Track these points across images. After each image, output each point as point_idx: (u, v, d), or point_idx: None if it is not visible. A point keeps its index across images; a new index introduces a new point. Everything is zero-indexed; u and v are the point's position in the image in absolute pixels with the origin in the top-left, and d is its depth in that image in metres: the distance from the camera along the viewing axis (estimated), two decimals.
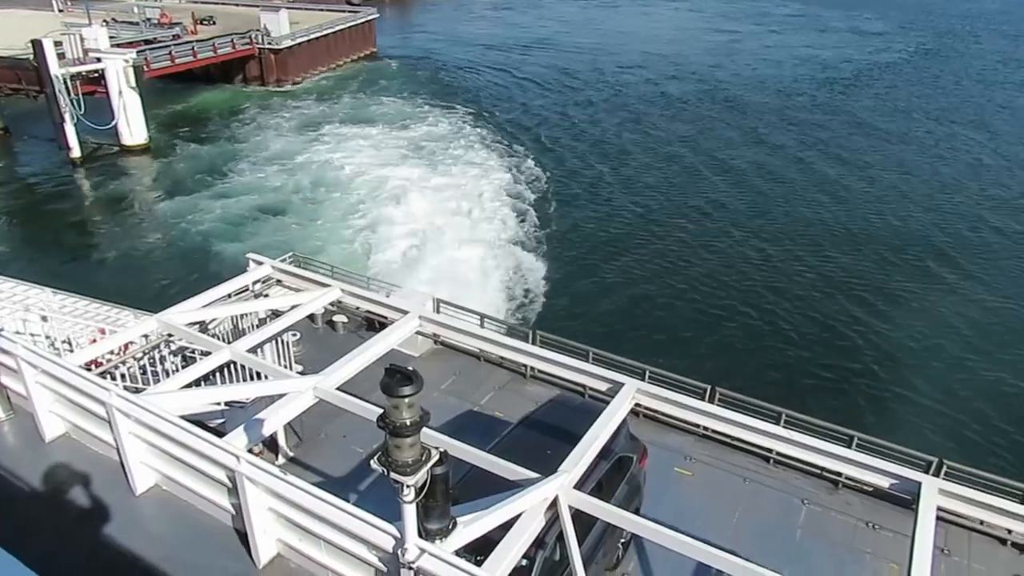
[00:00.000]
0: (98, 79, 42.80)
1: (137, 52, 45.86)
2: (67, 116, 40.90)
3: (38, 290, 16.84)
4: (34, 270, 25.23)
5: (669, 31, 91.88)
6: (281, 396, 9.21)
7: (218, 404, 10.75)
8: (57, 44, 41.25)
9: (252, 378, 11.84)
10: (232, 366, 11.65)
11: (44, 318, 14.00)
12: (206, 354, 10.59)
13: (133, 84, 43.05)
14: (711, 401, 11.15)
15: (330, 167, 42.97)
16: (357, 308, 14.05)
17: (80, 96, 41.10)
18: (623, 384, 9.31)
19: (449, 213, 36.38)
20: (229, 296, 12.35)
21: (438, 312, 14.48)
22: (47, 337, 13.62)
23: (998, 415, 22.60)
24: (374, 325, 14.94)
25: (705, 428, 11.83)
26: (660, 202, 39.24)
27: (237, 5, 70.44)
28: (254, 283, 12.94)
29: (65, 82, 40.36)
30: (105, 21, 54.62)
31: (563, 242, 34.30)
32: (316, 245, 32.65)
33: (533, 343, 12.69)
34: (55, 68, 40.12)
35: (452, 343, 14.42)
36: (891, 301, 29.07)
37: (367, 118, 52.51)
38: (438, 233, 33.89)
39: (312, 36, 61.50)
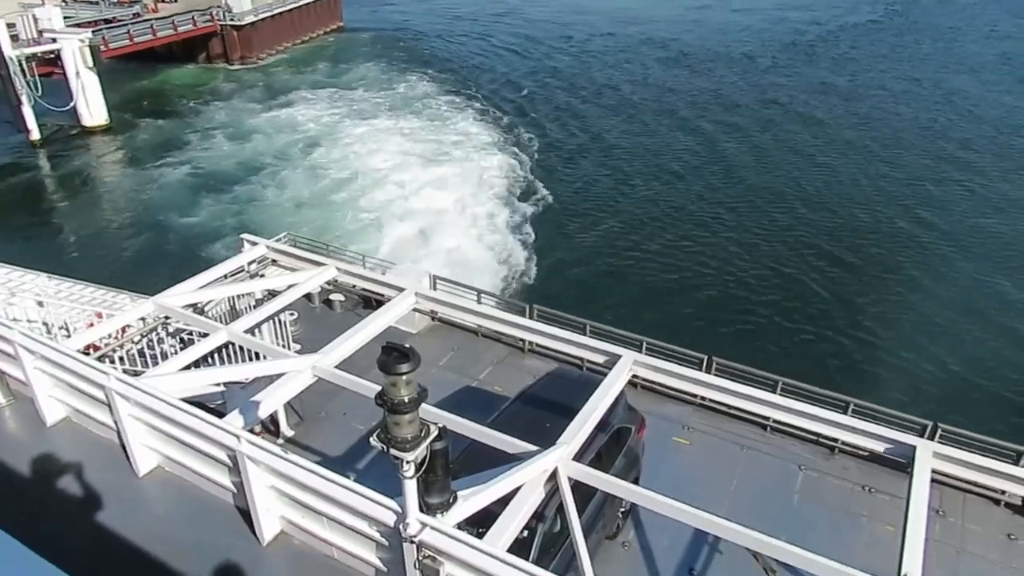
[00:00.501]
0: (54, 60, 42.29)
1: (93, 32, 45.27)
2: (24, 98, 40.52)
3: (33, 275, 16.80)
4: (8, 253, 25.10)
5: None
6: (280, 376, 9.24)
7: (217, 385, 10.78)
8: (11, 25, 40.51)
9: (250, 358, 11.88)
10: (230, 347, 11.68)
11: (40, 303, 13.99)
12: (204, 336, 10.60)
13: (90, 64, 42.70)
14: (708, 371, 11.22)
15: (299, 137, 42.85)
16: (353, 286, 14.03)
17: (36, 78, 40.64)
18: (620, 356, 9.36)
19: (440, 185, 36.24)
20: (225, 277, 12.32)
21: (434, 289, 14.48)
22: (44, 323, 13.62)
23: (991, 376, 22.81)
24: (371, 303, 14.96)
25: (702, 398, 11.92)
26: (651, 170, 39.13)
27: None
28: (249, 263, 12.89)
29: (20, 64, 39.91)
30: (64, 0, 54.15)
31: (557, 212, 34.25)
32: (302, 219, 32.55)
33: (530, 318, 12.70)
34: (8, 50, 39.67)
35: (449, 319, 14.45)
36: (882, 265, 29.18)
37: (335, 88, 52.51)
38: (430, 205, 33.81)
39: (275, 11, 60.84)
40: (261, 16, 59.03)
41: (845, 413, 9.99)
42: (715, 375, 10.19)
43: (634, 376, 9.71)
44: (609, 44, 67.27)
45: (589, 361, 11.01)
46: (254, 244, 13.05)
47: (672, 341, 12.38)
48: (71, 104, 43.09)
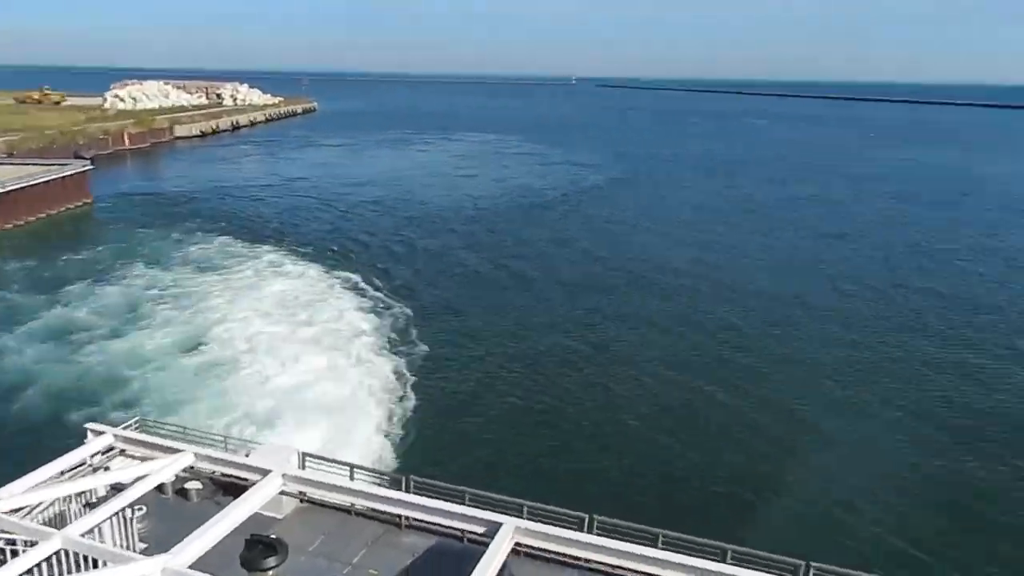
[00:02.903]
0: None
1: None
2: None
3: None
4: None
5: (413, 168, 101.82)
6: None
7: None
8: None
9: (92, 565, 10.49)
10: (66, 554, 10.29)
11: None
12: (32, 544, 9.32)
13: None
14: (590, 531, 11.11)
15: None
16: (213, 472, 13.00)
17: None
18: (501, 524, 9.16)
19: (302, 349, 35.15)
20: (62, 473, 11.10)
21: (303, 468, 13.70)
22: None
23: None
24: (234, 489, 13.85)
25: (587, 560, 11.69)
26: (487, 319, 40.33)
27: None
28: (92, 456, 11.74)
29: None
30: None
31: (427, 367, 33.84)
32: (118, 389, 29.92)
33: (407, 490, 12.24)
34: None
35: (320, 500, 13.60)
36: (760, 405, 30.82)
37: (70, 260, 50.01)
38: (291, 369, 32.44)
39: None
40: None
41: (724, 560, 10.11)
42: (597, 534, 10.10)
43: (517, 544, 9.45)
44: (396, 203, 73.27)
45: (470, 532, 10.63)
46: (100, 433, 11.97)
47: (554, 500, 12.23)
48: None
